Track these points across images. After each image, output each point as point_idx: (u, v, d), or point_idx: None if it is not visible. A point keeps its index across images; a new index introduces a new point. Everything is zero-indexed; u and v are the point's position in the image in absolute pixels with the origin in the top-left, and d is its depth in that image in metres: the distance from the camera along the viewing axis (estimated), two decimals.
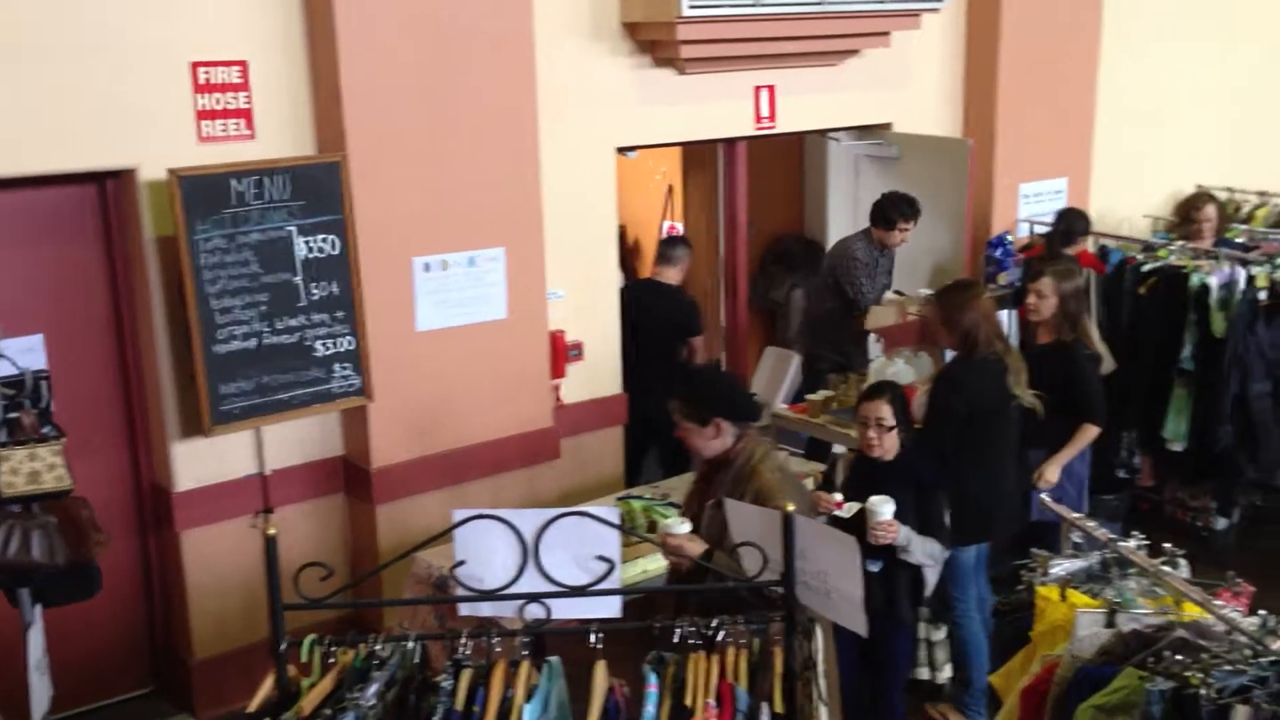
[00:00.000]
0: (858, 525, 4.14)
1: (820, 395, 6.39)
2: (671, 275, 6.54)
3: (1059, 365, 5.36)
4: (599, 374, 6.10)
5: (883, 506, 4.18)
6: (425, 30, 5.06)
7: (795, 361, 7.83)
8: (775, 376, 7.97)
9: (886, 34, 6.41)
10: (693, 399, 3.87)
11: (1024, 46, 7.01)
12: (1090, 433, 5.37)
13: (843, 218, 7.32)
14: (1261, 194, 8.10)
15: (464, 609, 3.12)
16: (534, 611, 2.92)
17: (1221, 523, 6.69)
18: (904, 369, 6.19)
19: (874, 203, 6.65)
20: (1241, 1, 8.51)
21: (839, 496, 4.41)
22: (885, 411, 4.44)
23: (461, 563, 2.93)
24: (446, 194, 5.25)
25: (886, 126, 6.99)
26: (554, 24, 5.58)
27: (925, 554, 4.29)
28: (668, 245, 6.69)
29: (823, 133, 7.10)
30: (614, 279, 6.32)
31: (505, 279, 5.48)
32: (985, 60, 7.00)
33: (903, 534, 4.22)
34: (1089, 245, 6.85)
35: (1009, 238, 6.95)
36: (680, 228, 8.41)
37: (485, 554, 2.95)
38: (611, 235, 6.24)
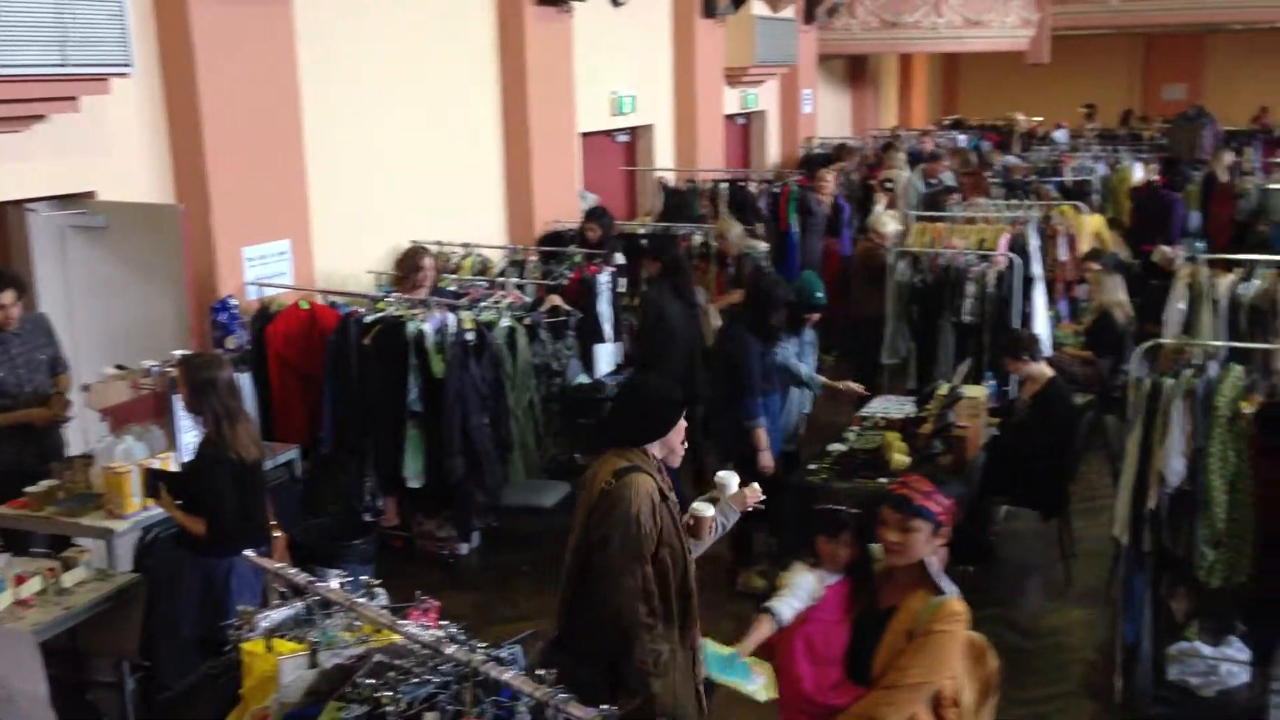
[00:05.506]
0: None
1: (43, 486, 5.87)
2: None
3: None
4: None
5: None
6: None
7: None
8: None
9: (74, 99, 6.07)
10: None
11: (226, 114, 7.01)
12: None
13: (55, 292, 6.82)
14: (466, 245, 8.95)
15: None
16: None
17: (464, 548, 7.26)
18: (136, 446, 5.91)
19: None
20: (446, 80, 9.39)
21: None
22: None
23: None
24: None
25: (90, 195, 6.63)
26: None
27: None
28: None
29: (18, 204, 6.56)
30: None
31: None
32: (189, 126, 6.89)
33: None
34: None
35: (233, 301, 6.93)
36: None
37: None
38: None
